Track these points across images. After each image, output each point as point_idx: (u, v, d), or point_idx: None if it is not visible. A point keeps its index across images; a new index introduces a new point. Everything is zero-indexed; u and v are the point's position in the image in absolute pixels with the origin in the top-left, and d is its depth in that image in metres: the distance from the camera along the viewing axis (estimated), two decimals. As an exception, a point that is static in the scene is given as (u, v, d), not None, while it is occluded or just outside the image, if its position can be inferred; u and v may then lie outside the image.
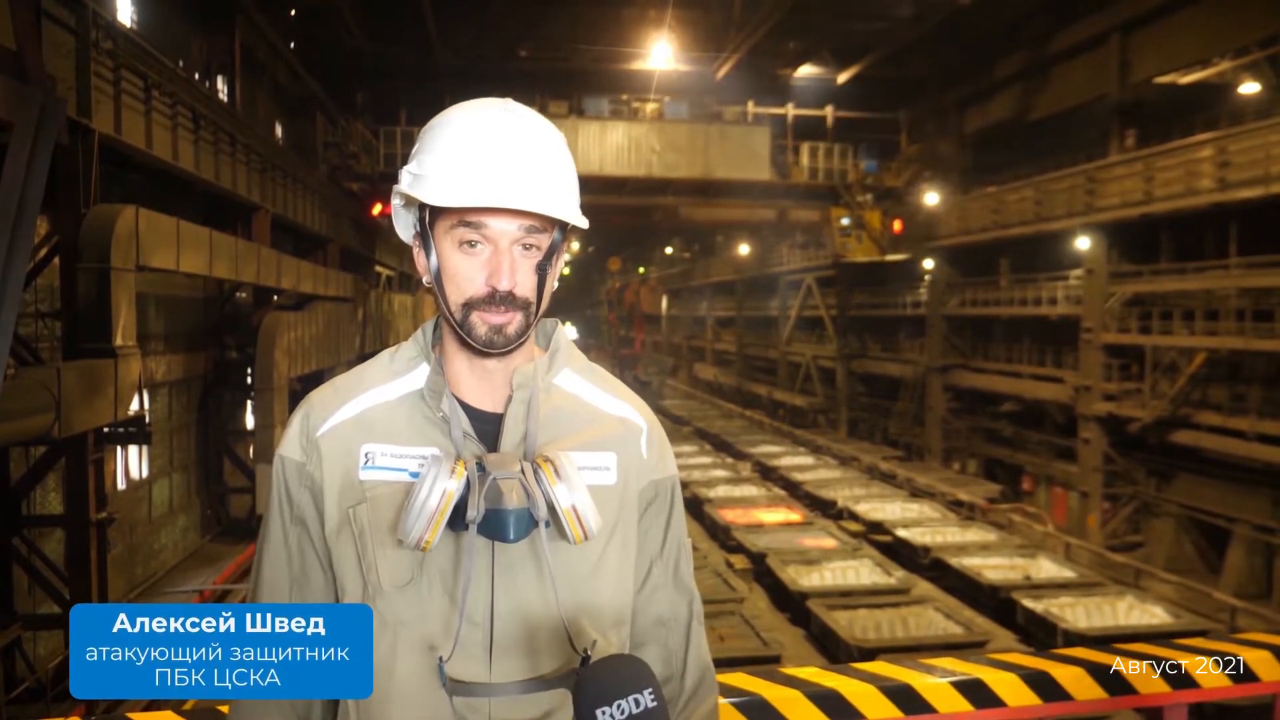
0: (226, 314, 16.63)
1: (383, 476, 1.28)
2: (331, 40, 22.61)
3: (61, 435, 8.00)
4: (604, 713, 1.04)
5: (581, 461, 1.28)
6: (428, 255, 1.28)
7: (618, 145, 25.02)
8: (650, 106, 25.78)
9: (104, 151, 9.74)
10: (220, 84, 17.32)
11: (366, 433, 1.30)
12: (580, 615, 1.28)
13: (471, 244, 1.24)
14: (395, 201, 1.34)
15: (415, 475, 1.25)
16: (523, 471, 1.21)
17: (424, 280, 1.29)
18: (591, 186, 24.18)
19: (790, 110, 26.28)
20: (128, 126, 10.30)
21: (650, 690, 1.06)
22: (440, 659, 1.21)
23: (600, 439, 1.35)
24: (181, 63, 14.79)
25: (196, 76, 15.77)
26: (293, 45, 21.57)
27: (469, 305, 1.25)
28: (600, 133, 24.97)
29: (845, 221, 26.45)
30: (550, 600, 1.26)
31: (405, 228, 1.36)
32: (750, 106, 25.76)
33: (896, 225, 26.22)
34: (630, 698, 1.04)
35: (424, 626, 1.25)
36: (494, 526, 1.20)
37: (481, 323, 1.25)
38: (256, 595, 1.35)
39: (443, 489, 1.17)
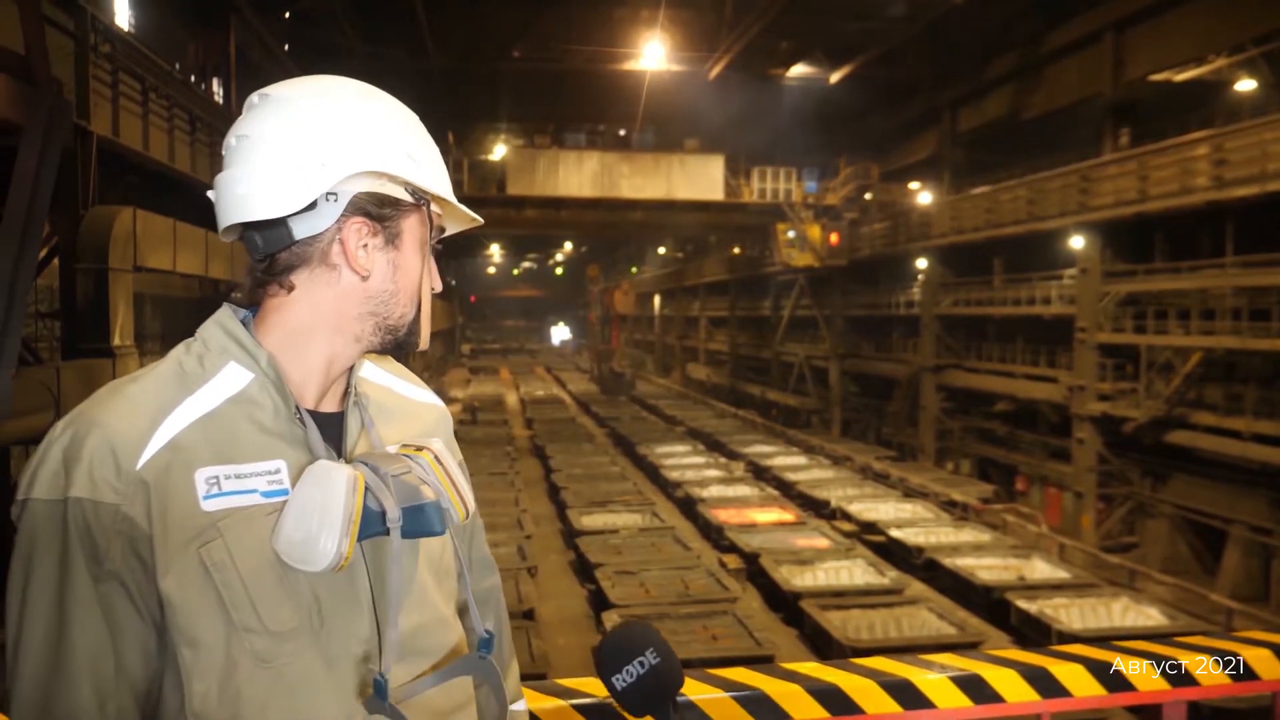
0: (222, 315, 16.61)
1: (232, 503, 1.09)
2: (325, 41, 22.65)
3: (59, 435, 8.01)
4: (618, 679, 1.18)
5: None
6: (397, 247, 1.19)
7: (593, 171, 29.12)
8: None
9: (101, 153, 9.77)
10: (216, 86, 17.33)
11: (197, 454, 1.09)
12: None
13: (430, 248, 1.25)
14: (331, 175, 1.15)
15: (269, 495, 1.11)
16: (410, 465, 1.16)
17: (361, 274, 1.17)
18: (571, 205, 29.52)
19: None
20: (125, 129, 10.33)
21: (653, 649, 1.18)
22: (380, 676, 1.10)
23: (426, 428, 1.33)
24: (178, 65, 14.80)
25: (192, 79, 15.79)
26: (287, 47, 21.60)
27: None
28: (578, 161, 29.07)
29: (790, 234, 30.15)
30: (450, 587, 1.28)
31: (331, 215, 1.15)
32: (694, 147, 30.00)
33: (833, 238, 29.64)
34: (636, 660, 1.18)
35: (332, 651, 1.13)
36: (418, 523, 1.12)
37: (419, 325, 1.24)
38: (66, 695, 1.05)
39: (347, 497, 1.07)
